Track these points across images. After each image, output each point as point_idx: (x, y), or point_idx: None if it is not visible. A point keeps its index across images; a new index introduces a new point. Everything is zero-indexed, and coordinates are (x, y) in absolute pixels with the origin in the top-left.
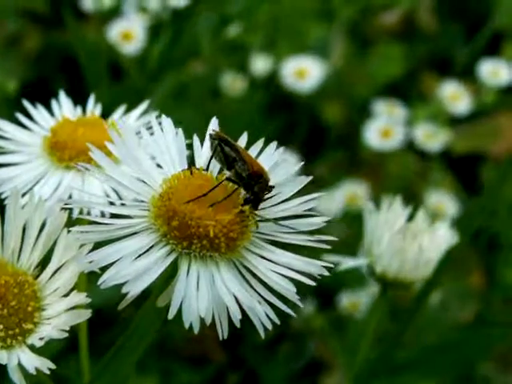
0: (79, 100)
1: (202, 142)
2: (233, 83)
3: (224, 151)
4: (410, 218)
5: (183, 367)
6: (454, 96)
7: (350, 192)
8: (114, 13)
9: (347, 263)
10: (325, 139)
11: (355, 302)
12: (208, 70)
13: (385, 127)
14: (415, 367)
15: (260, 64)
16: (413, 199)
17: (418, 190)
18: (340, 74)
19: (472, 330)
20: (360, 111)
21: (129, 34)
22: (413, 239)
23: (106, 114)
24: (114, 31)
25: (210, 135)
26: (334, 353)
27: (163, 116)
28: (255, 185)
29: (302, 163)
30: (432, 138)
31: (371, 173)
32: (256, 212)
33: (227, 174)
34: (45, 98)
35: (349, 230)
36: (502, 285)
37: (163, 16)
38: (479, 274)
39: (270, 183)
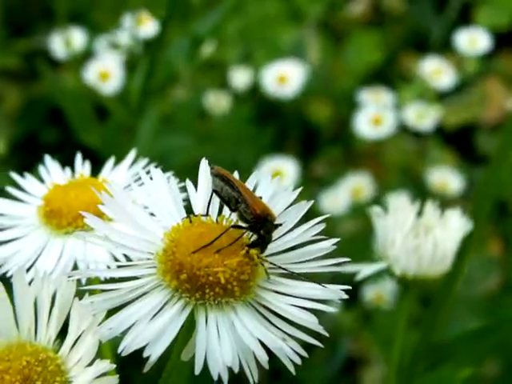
0: (71, 149)
1: (197, 167)
2: (217, 101)
3: (226, 192)
4: (420, 212)
5: None
6: (437, 71)
7: (354, 185)
8: (88, 55)
9: (366, 271)
10: (318, 139)
11: (380, 293)
12: (190, 94)
13: (375, 115)
14: (456, 354)
15: (240, 77)
16: (416, 181)
17: (419, 170)
18: (320, 71)
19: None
20: (347, 104)
21: (105, 73)
22: (426, 235)
23: (98, 158)
24: (91, 73)
25: (212, 173)
26: (369, 348)
27: (152, 167)
28: (261, 228)
29: (300, 189)
30: (423, 116)
31: (370, 163)
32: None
33: (227, 215)
34: (35, 153)
35: (359, 224)
36: None
37: (135, 49)
38: (496, 242)
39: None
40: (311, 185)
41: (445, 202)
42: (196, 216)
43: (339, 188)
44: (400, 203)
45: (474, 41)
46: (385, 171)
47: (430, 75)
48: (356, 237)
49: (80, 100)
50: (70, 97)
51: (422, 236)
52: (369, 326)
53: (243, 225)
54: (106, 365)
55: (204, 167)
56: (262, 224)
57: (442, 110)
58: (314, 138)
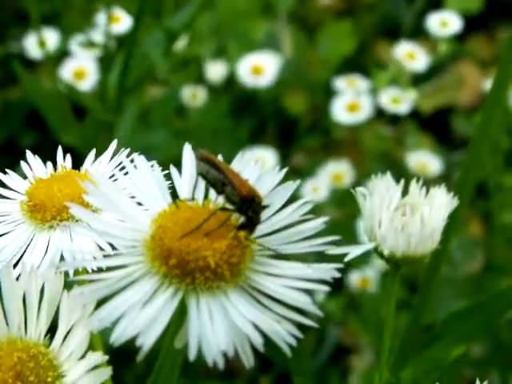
0: (51, 151)
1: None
2: (193, 96)
3: (212, 175)
4: (404, 191)
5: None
6: (410, 55)
7: (334, 173)
8: (63, 55)
9: (354, 252)
10: (295, 130)
11: (365, 278)
12: (166, 90)
13: (350, 102)
14: (446, 334)
15: (215, 71)
16: (394, 166)
17: (398, 155)
18: (294, 62)
19: (485, 280)
20: (323, 94)
21: (81, 71)
22: (412, 213)
23: (80, 157)
24: (67, 72)
25: (197, 157)
26: (357, 334)
27: (135, 155)
28: (248, 209)
29: (285, 170)
30: (399, 101)
31: (349, 150)
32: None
33: (214, 199)
34: (15, 156)
35: (341, 211)
36: (501, 228)
37: (110, 46)
38: (476, 223)
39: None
40: (291, 175)
41: (425, 184)
42: (182, 201)
43: (319, 176)
44: (384, 183)
45: (445, 23)
46: (363, 157)
47: (403, 59)
48: (339, 224)
49: (57, 100)
50: (47, 97)
51: (409, 215)
52: (356, 312)
53: (230, 207)
54: (98, 357)
55: (188, 152)
56: (249, 205)
57: (418, 94)
58: (292, 128)
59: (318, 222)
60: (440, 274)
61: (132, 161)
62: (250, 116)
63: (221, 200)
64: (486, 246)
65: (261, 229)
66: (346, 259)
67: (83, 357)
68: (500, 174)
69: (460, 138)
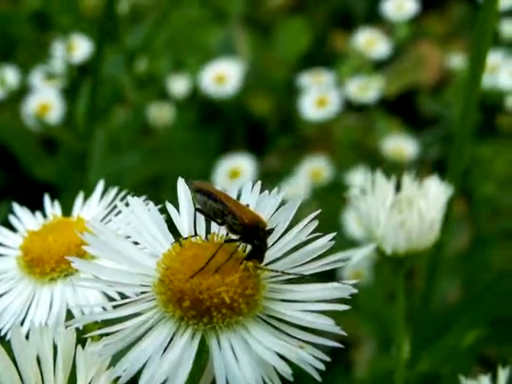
0: (24, 189)
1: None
2: (159, 114)
3: (210, 206)
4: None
5: None
6: (370, 42)
7: (311, 170)
8: (24, 91)
9: (357, 257)
10: (265, 133)
11: (358, 270)
12: (130, 112)
13: (318, 97)
14: (456, 321)
15: (177, 86)
16: (369, 155)
17: (371, 143)
18: (254, 66)
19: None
20: (288, 93)
21: (45, 105)
22: (409, 208)
23: (55, 191)
24: (31, 107)
25: (192, 189)
26: (357, 327)
27: (129, 197)
28: (254, 237)
29: (280, 189)
30: (366, 89)
31: (322, 146)
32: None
33: (217, 230)
34: None
35: (324, 208)
36: (483, 201)
37: (71, 75)
38: (460, 202)
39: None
40: (268, 178)
41: (402, 169)
42: (185, 238)
43: (298, 175)
44: (376, 181)
45: (400, 6)
46: (337, 150)
47: (364, 47)
48: (324, 221)
49: (26, 136)
50: (16, 134)
51: (406, 210)
52: (353, 304)
53: (235, 237)
54: None
55: (182, 185)
56: (253, 233)
57: (382, 79)
58: (261, 132)
59: (326, 240)
60: (444, 261)
61: (123, 199)
62: (218, 125)
63: (224, 231)
64: (470, 220)
65: (270, 254)
66: (350, 265)
67: None
68: (474, 147)
69: (428, 116)
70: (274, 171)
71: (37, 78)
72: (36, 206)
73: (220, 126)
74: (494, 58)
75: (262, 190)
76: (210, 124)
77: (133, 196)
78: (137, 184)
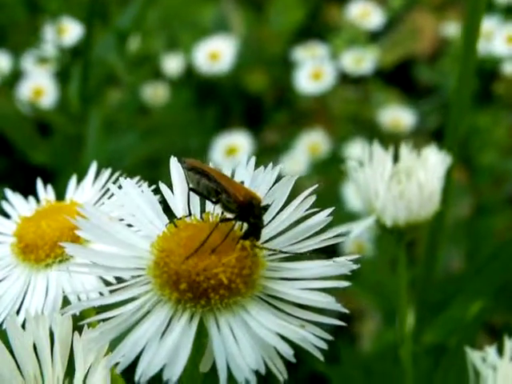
0: (21, 174)
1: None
2: (154, 93)
3: (204, 185)
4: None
5: None
6: (364, 13)
7: (309, 144)
8: (17, 76)
9: (357, 230)
10: (262, 108)
11: (359, 243)
12: (126, 92)
13: (313, 70)
14: (462, 290)
15: (172, 64)
16: (367, 126)
17: (368, 115)
18: (248, 41)
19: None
20: (283, 67)
21: (39, 89)
22: (408, 178)
23: (51, 174)
24: (25, 91)
25: (185, 167)
26: (360, 300)
27: (121, 179)
28: (249, 214)
29: (277, 164)
30: (361, 60)
31: (319, 119)
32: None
33: (212, 209)
34: None
35: (323, 182)
36: (483, 169)
37: (63, 58)
38: (457, 168)
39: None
40: (267, 154)
41: (399, 139)
42: (180, 219)
43: (296, 150)
44: (373, 152)
45: None
46: (334, 123)
47: (358, 18)
48: (323, 195)
49: (21, 121)
50: (11, 119)
51: (405, 180)
52: (355, 277)
53: (230, 216)
54: None
55: (175, 165)
56: (248, 210)
57: (377, 50)
58: (258, 107)
59: (324, 215)
60: (445, 230)
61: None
62: (214, 102)
63: (219, 210)
64: (471, 189)
65: (266, 232)
66: (350, 238)
67: None
68: (472, 115)
69: (424, 86)
70: (272, 147)
71: (29, 62)
72: (33, 190)
73: (216, 103)
74: (488, 24)
75: (259, 166)
76: (206, 102)
77: (126, 177)
78: (135, 165)
